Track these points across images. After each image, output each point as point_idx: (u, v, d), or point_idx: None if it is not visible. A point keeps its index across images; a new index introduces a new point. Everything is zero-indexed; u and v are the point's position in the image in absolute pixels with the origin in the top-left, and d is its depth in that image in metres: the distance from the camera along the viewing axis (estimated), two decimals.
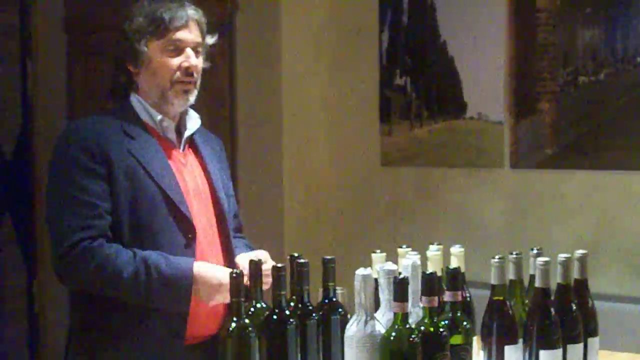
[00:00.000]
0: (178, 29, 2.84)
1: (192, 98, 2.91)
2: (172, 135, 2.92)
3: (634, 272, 4.32)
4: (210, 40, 2.97)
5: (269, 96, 5.12)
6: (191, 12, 2.88)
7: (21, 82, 5.64)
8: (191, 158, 2.97)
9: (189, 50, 2.86)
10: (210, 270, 2.74)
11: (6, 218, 5.59)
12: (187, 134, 2.95)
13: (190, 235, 2.82)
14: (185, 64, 2.84)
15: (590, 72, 4.44)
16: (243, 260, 2.84)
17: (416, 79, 5.01)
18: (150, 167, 2.80)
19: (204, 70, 2.94)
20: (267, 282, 2.58)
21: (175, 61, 2.84)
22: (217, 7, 4.96)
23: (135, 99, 2.90)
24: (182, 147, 2.94)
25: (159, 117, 2.88)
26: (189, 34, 2.86)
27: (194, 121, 2.97)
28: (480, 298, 2.73)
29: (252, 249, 3.10)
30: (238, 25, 5.14)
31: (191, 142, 2.99)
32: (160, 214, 2.78)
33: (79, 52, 5.60)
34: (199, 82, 2.91)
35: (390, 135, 5.09)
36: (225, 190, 3.02)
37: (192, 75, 2.86)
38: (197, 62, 2.88)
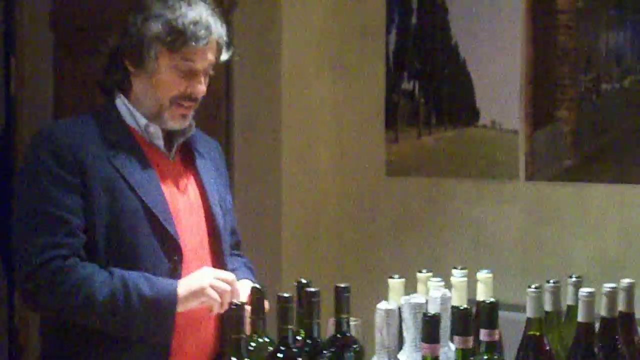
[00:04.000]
0: (197, 50, 2.54)
1: (188, 121, 2.62)
2: (159, 142, 2.61)
3: None
4: (225, 56, 2.67)
5: (267, 100, 4.93)
6: (215, 31, 2.58)
7: (4, 81, 5.43)
8: (183, 168, 2.67)
9: (199, 75, 2.57)
10: (192, 285, 2.47)
11: None
12: (178, 141, 2.65)
13: (176, 258, 2.53)
14: (193, 90, 2.56)
15: (614, 78, 4.21)
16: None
17: (425, 84, 4.79)
18: (132, 179, 2.50)
19: None
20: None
21: (183, 84, 2.55)
22: (213, 3, 4.75)
23: (120, 101, 2.59)
24: (172, 155, 2.64)
25: (144, 122, 2.57)
26: (206, 58, 2.57)
27: (187, 128, 2.66)
28: None
29: (251, 269, 2.82)
30: (236, 23, 4.90)
31: (183, 150, 2.69)
32: (142, 233, 2.49)
33: (66, 50, 5.38)
34: (198, 103, 2.63)
35: (397, 143, 4.88)
36: (222, 204, 2.72)
37: (195, 100, 2.58)
38: (204, 87, 2.59)
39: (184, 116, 2.59)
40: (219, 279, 2.48)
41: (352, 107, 5.04)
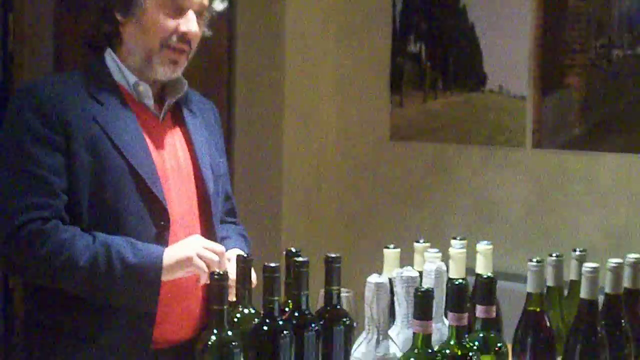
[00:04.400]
0: None
1: (179, 70, 2.48)
2: (149, 102, 2.48)
3: None
4: (220, 5, 2.53)
5: (270, 60, 4.82)
6: None
7: (1, 39, 5.20)
8: (173, 130, 2.53)
9: (191, 13, 2.42)
10: (178, 253, 2.34)
11: None
12: (170, 101, 2.52)
13: (163, 223, 2.40)
14: (184, 29, 2.41)
15: (626, 44, 4.07)
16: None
17: (432, 47, 4.67)
18: (118, 139, 2.37)
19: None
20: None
21: (173, 22, 2.40)
22: None
23: (109, 57, 2.46)
24: (162, 116, 2.51)
25: (134, 79, 2.45)
26: None
27: (179, 87, 2.54)
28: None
29: (245, 238, 2.70)
30: None
31: (175, 111, 2.56)
32: (127, 196, 2.36)
33: (68, 6, 5.21)
34: (192, 53, 2.48)
35: (402, 107, 4.77)
36: (214, 168, 2.59)
37: (188, 43, 2.43)
38: (195, 27, 2.44)
39: (174, 63, 2.45)
40: (207, 249, 2.37)
41: (356, 69, 4.93)
